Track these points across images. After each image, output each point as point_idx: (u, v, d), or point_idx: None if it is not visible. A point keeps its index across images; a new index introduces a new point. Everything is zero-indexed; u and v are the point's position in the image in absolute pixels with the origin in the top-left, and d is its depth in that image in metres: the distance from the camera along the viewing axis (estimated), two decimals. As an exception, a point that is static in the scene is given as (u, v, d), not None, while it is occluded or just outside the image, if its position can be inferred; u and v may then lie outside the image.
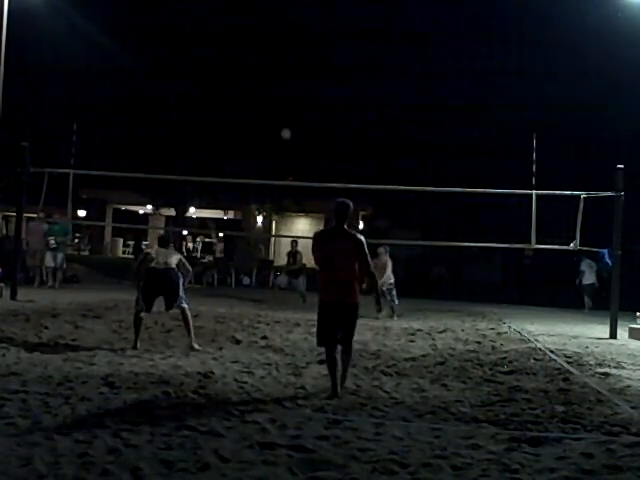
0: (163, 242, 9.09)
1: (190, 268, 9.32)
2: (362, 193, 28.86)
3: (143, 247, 19.27)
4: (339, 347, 6.36)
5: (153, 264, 8.57)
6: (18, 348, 7.81)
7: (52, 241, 16.51)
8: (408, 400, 6.19)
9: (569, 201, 13.96)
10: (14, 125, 21.34)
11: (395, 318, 14.03)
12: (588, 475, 4.26)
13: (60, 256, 16.82)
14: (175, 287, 8.63)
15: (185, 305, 8.74)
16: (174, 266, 8.68)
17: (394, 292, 14.66)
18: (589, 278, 19.28)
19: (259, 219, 35.53)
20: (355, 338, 9.62)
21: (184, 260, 9.04)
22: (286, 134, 10.43)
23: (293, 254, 16.80)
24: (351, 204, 6.31)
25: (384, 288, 13.84)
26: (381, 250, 14.73)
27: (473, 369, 7.96)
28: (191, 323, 8.73)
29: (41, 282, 16.85)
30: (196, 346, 8.50)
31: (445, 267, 29.06)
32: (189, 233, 41.19)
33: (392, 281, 14.72)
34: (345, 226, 6.30)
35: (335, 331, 6.30)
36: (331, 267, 6.26)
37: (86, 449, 4.29)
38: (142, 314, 8.68)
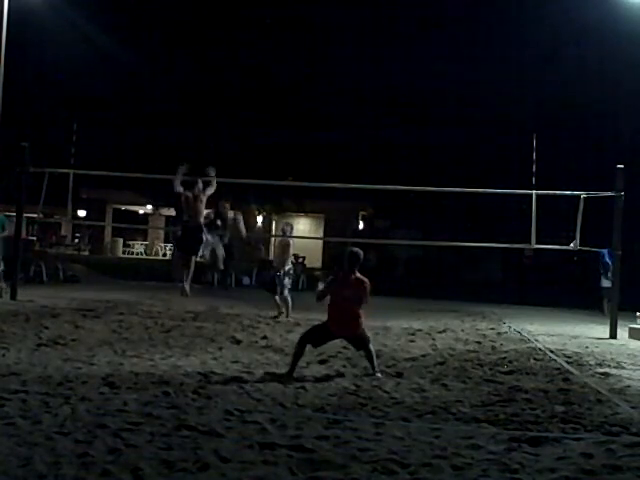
0: None
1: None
2: (362, 193, 28.92)
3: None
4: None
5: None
6: (18, 348, 7.82)
7: None
8: (408, 400, 6.19)
9: (569, 201, 13.97)
10: (14, 125, 21.32)
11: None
12: (588, 475, 4.26)
13: None
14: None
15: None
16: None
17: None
18: (607, 281, 19.02)
19: (259, 219, 35.54)
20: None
21: None
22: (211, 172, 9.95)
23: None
24: (361, 254, 7.53)
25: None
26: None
27: (473, 369, 7.96)
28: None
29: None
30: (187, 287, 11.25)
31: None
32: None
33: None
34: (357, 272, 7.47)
35: (321, 343, 7.60)
36: (341, 305, 7.34)
37: (86, 449, 4.29)
38: None
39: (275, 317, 12.46)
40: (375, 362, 7.47)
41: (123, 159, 27.38)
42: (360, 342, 7.52)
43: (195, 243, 11.27)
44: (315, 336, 7.48)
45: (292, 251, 13.14)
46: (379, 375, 7.26)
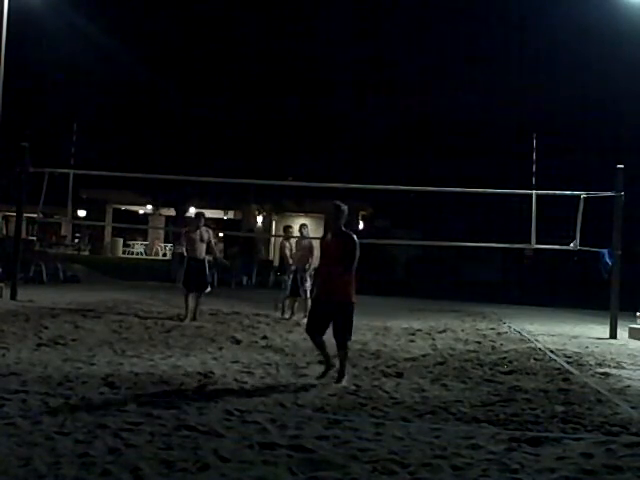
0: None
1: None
2: (362, 193, 28.92)
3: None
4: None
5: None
6: (18, 348, 7.82)
7: None
8: (408, 400, 6.19)
9: (569, 201, 13.97)
10: (14, 125, 21.31)
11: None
12: (588, 475, 4.26)
13: None
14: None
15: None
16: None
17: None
18: None
19: (259, 219, 35.53)
20: (355, 338, 9.67)
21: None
22: None
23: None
24: (344, 207, 6.91)
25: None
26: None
27: (473, 369, 7.96)
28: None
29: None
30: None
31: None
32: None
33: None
34: (342, 227, 6.92)
35: (322, 324, 6.88)
36: (326, 265, 6.89)
37: (86, 449, 4.29)
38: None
39: (288, 318, 12.50)
40: (345, 367, 6.90)
41: (123, 159, 27.33)
42: (342, 320, 6.70)
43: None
44: (314, 320, 6.93)
45: (316, 253, 12.90)
46: (344, 384, 6.64)
